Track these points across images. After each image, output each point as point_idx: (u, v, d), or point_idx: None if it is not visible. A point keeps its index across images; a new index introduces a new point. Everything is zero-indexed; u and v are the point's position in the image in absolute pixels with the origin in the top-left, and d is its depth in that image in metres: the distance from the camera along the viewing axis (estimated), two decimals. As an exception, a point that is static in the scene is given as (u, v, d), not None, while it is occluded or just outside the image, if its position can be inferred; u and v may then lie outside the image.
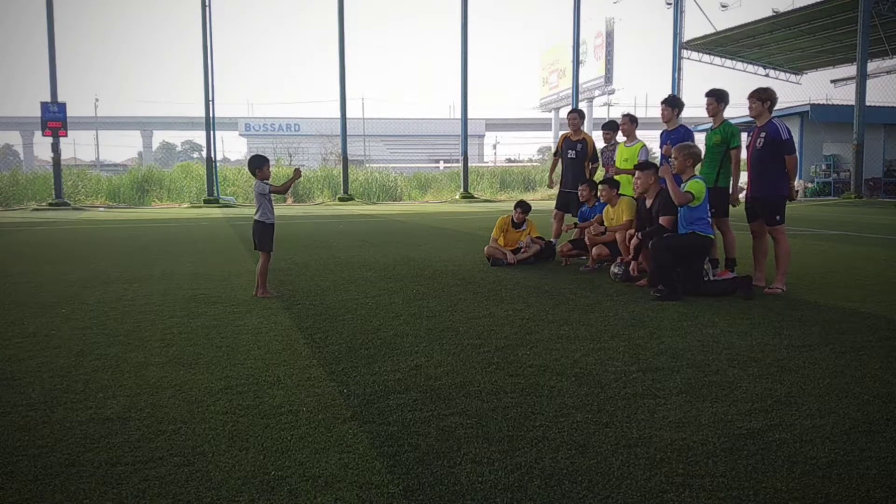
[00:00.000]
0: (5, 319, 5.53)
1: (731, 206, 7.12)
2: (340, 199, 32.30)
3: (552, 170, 10.07)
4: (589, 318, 5.38)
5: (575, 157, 9.34)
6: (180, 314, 5.68)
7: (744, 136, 7.10)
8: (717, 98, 7.05)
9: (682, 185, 6.35)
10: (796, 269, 7.47)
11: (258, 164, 6.49)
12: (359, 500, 2.42)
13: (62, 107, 28.18)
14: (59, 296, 6.61)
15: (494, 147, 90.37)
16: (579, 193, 8.69)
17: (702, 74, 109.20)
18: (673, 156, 6.56)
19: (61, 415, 3.29)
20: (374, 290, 6.79)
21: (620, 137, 8.77)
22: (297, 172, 6.82)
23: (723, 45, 38.33)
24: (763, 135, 6.45)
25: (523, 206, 8.76)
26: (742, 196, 7.10)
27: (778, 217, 6.50)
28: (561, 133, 9.66)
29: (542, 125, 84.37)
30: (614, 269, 7.25)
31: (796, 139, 28.32)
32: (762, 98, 6.50)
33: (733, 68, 41.06)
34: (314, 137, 63.34)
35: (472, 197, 34.42)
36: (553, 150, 9.93)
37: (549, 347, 4.47)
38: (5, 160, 73.36)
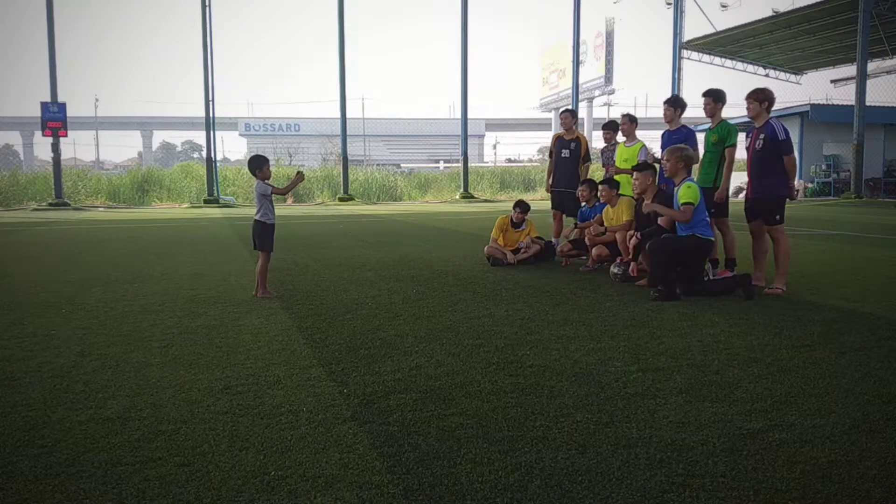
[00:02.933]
0: (5, 319, 5.53)
1: (717, 202, 7.13)
2: (340, 199, 32.30)
3: (550, 173, 9.79)
4: (589, 318, 5.38)
5: (569, 156, 9.34)
6: (180, 314, 5.68)
7: (742, 136, 7.10)
8: (714, 98, 7.06)
9: (676, 189, 6.34)
10: (796, 269, 7.47)
11: (258, 165, 6.48)
12: (359, 500, 2.42)
13: (62, 107, 28.18)
14: (59, 296, 6.61)
15: (494, 147, 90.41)
16: (579, 193, 8.69)
17: (702, 74, 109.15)
18: (664, 158, 6.55)
19: (61, 415, 3.29)
20: (374, 290, 6.80)
21: (620, 137, 8.78)
22: (300, 175, 6.76)
23: (723, 45, 38.33)
24: (762, 136, 6.41)
25: (522, 206, 8.77)
26: (741, 196, 7.11)
27: (777, 217, 6.47)
28: (554, 133, 9.58)
29: (542, 125, 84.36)
30: (614, 269, 7.26)
31: (796, 139, 28.37)
32: (759, 99, 6.46)
33: (733, 68, 41.06)
34: (314, 137, 63.40)
35: (472, 197, 34.43)
36: (548, 151, 9.70)
37: (549, 347, 4.47)
38: (5, 160, 73.48)
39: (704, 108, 7.14)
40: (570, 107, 8.93)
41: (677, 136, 7.37)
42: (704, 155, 7.21)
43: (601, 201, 8.04)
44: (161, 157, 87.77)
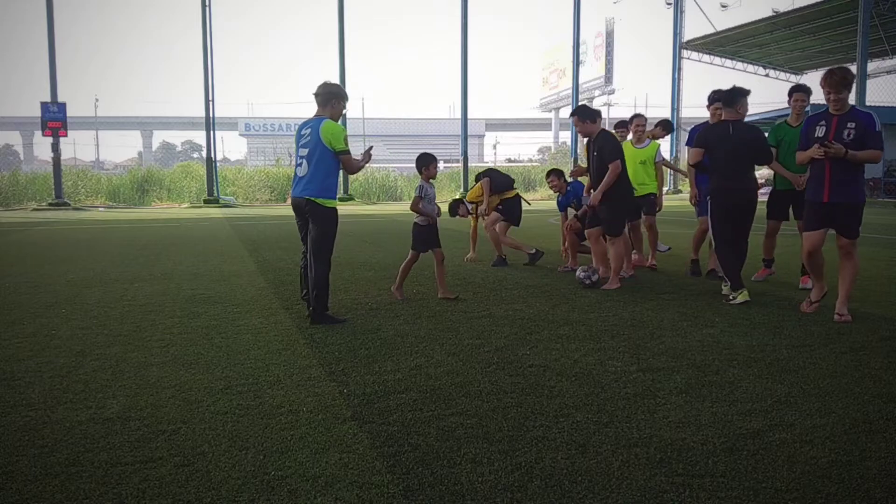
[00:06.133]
0: (5, 319, 5.53)
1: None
2: (340, 200, 32.28)
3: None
4: (589, 318, 5.38)
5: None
6: (180, 314, 5.68)
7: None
8: (807, 94, 6.80)
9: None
10: (796, 269, 7.46)
11: (425, 163, 6.27)
12: (359, 500, 2.42)
13: (62, 107, 28.18)
14: (59, 296, 6.61)
15: (494, 147, 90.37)
16: (549, 183, 8.49)
17: (702, 74, 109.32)
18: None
19: (61, 415, 3.29)
20: (374, 290, 6.80)
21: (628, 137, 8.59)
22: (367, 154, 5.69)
23: (723, 45, 38.36)
24: (851, 125, 5.12)
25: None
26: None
27: (859, 229, 5.40)
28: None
29: (542, 125, 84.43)
30: (579, 273, 6.93)
31: (796, 139, 28.18)
32: (848, 82, 5.25)
33: (733, 68, 41.11)
34: (314, 137, 63.25)
35: (473, 197, 34.36)
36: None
37: (549, 347, 4.47)
38: (5, 160, 73.48)
39: (798, 104, 6.72)
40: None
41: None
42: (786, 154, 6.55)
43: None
44: (161, 157, 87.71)
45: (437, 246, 6.26)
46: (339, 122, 5.54)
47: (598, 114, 7.02)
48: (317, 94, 5.43)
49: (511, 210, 8.67)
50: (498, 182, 8.84)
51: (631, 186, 7.05)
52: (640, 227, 8.17)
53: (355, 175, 35.51)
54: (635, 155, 8.10)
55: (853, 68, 30.78)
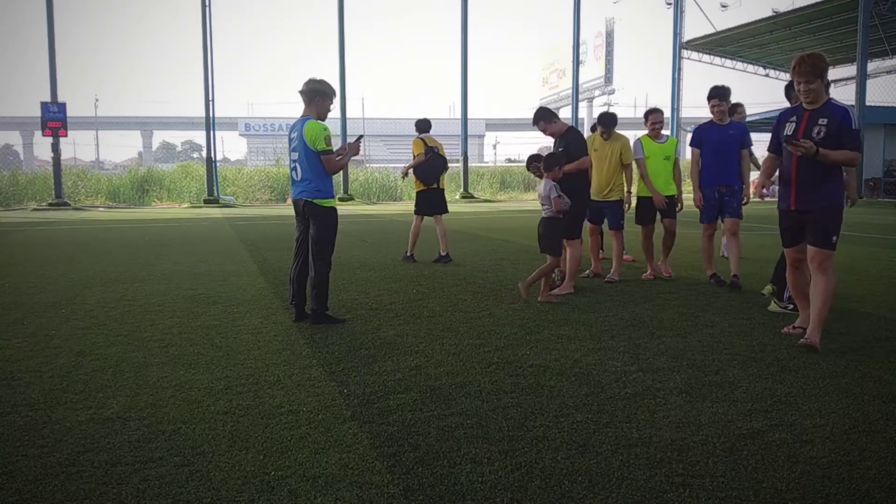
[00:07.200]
0: (5, 319, 5.53)
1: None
2: (340, 200, 32.25)
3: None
4: (589, 318, 5.38)
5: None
6: (180, 314, 5.68)
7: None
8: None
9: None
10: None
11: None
12: (359, 500, 2.42)
13: (62, 107, 28.15)
14: (59, 296, 6.61)
15: (494, 147, 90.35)
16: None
17: (702, 74, 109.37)
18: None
19: (61, 415, 3.29)
20: (374, 290, 6.80)
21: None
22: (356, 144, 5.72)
23: (723, 45, 38.38)
24: (823, 121, 4.43)
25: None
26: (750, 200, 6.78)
27: (834, 238, 4.46)
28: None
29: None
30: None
31: (796, 139, 28.16)
32: (821, 72, 4.62)
33: (733, 68, 41.13)
34: (314, 137, 63.27)
35: (472, 197, 34.40)
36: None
37: (549, 347, 4.47)
38: (5, 160, 73.50)
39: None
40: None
41: (735, 132, 6.78)
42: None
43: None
44: (161, 157, 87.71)
45: (554, 252, 6.15)
46: (335, 118, 5.55)
47: (555, 114, 6.93)
48: (302, 93, 5.43)
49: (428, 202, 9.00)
50: (429, 169, 8.97)
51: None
52: (671, 232, 7.58)
53: (355, 175, 35.56)
54: (658, 151, 7.50)
55: (853, 68, 30.83)
